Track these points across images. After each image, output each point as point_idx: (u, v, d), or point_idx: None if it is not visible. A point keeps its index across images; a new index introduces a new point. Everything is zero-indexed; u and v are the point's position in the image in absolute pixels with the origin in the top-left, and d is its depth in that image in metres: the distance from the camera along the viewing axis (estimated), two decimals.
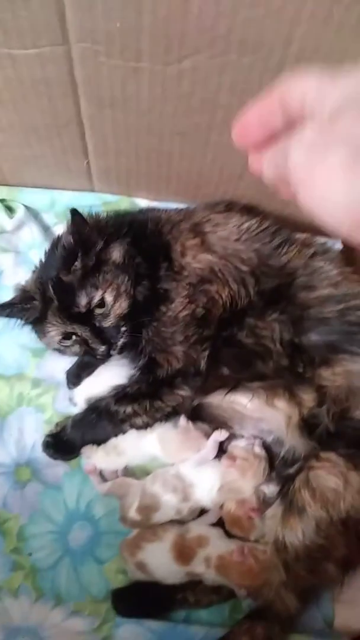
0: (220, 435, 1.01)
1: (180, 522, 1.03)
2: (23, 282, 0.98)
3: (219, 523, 1.03)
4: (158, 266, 0.94)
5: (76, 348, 0.94)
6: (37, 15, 0.69)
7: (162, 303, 0.93)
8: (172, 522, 1.02)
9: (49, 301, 0.91)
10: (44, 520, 1.06)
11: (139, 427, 0.99)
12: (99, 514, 1.07)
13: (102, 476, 1.09)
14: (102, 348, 0.91)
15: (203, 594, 1.00)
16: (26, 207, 1.11)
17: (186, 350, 0.93)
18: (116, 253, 0.93)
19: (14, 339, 1.15)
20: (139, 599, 1.00)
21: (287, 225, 1.03)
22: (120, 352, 0.94)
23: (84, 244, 0.88)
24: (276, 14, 0.66)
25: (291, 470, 0.97)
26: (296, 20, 0.67)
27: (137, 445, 1.04)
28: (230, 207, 1.04)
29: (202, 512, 1.04)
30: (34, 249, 1.13)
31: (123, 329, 0.92)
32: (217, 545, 0.98)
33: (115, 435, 1.01)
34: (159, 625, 0.96)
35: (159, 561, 0.99)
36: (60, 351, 0.98)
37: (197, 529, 1.01)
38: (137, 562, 0.99)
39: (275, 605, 0.92)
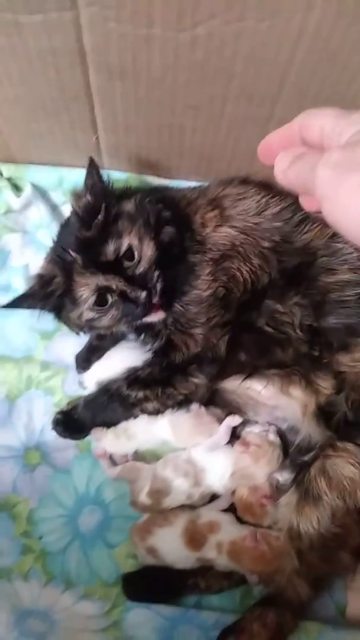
0: (233, 420, 0.99)
1: (191, 507, 1.02)
2: (37, 270, 0.93)
3: (231, 509, 1.01)
4: (182, 235, 0.91)
5: (113, 311, 0.86)
6: None
7: (189, 276, 0.90)
8: (183, 507, 1.01)
9: (72, 265, 0.85)
10: (54, 504, 1.06)
11: (149, 413, 0.97)
12: (109, 498, 1.06)
13: (112, 460, 1.08)
14: (142, 294, 0.83)
15: (214, 579, 0.99)
16: (33, 185, 1.08)
17: (206, 333, 0.90)
18: (129, 205, 0.89)
19: (22, 320, 1.13)
20: (150, 583, 1.00)
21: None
22: (162, 300, 0.87)
23: (105, 196, 0.85)
24: None
25: (306, 458, 0.95)
26: None
27: (147, 430, 1.02)
28: (245, 182, 1.00)
29: (213, 497, 1.03)
30: (41, 228, 1.10)
31: (156, 273, 0.86)
32: (229, 531, 0.97)
33: (126, 418, 0.99)
34: (170, 610, 0.96)
35: (170, 546, 0.98)
36: (95, 322, 0.89)
37: (208, 514, 1.00)
38: (147, 547, 0.99)
39: (287, 592, 0.92)
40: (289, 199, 0.96)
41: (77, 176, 1.05)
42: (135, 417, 0.98)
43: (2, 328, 1.14)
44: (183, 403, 0.96)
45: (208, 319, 0.90)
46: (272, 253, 0.92)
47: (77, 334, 1.00)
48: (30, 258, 1.11)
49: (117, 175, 1.08)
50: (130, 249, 0.85)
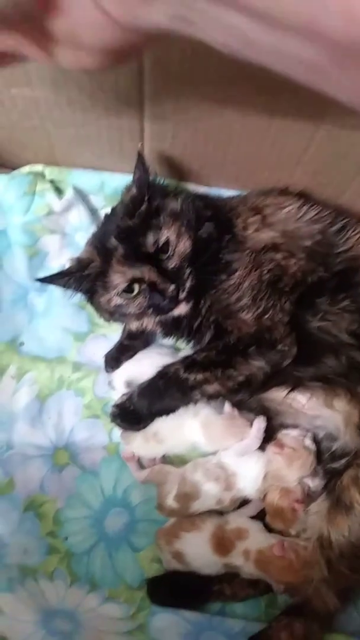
0: (261, 423, 0.98)
1: (218, 513, 1.02)
2: (78, 254, 0.96)
3: (259, 517, 1.01)
4: (221, 236, 0.93)
5: (140, 299, 0.89)
6: None
7: (222, 272, 0.91)
8: (210, 512, 1.01)
9: (111, 252, 0.88)
10: (81, 505, 1.06)
11: (210, 396, 0.92)
12: (135, 501, 1.06)
13: (140, 463, 1.08)
14: (171, 287, 0.86)
15: (240, 587, 0.99)
16: (75, 188, 1.10)
17: (257, 317, 0.89)
18: (173, 203, 0.92)
19: (56, 321, 1.15)
20: (174, 588, 0.99)
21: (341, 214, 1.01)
22: (187, 298, 0.90)
23: (150, 187, 0.88)
24: None
25: (337, 465, 0.96)
26: None
27: (177, 433, 1.03)
28: (285, 192, 1.02)
29: (242, 504, 1.03)
30: (80, 231, 1.11)
31: (188, 270, 0.89)
32: (257, 539, 0.97)
33: (185, 404, 0.94)
34: (195, 616, 0.96)
35: (197, 551, 0.98)
36: (123, 309, 0.91)
37: (237, 520, 1.00)
38: (174, 552, 0.98)
39: (314, 602, 0.92)
40: (328, 208, 0.99)
41: (118, 181, 1.07)
42: (195, 402, 0.93)
43: (36, 328, 1.15)
44: (244, 386, 0.91)
45: (254, 302, 0.90)
46: (316, 249, 0.93)
47: (107, 320, 1.00)
48: (67, 259, 1.12)
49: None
50: (167, 243, 0.88)
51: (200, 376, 0.90)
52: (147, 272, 0.87)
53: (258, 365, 0.89)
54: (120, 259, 0.87)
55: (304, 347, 0.90)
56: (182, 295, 0.89)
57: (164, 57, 0.79)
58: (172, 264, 0.88)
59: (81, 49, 0.40)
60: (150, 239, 0.87)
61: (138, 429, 1.00)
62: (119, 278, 0.88)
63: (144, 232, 0.87)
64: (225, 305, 0.91)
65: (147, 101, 0.89)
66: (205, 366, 0.90)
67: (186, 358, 0.93)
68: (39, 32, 0.39)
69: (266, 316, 0.89)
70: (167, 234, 0.88)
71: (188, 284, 0.89)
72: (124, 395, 1.01)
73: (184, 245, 0.89)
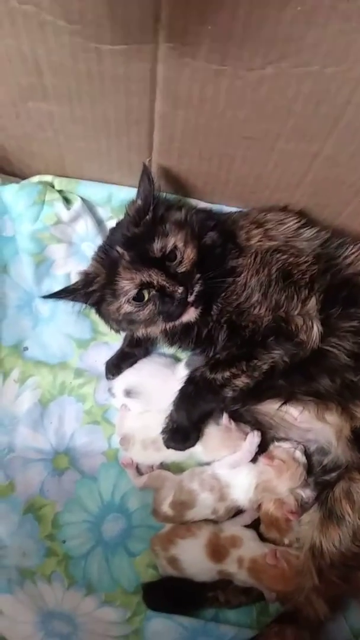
0: (255, 437, 1.01)
1: (214, 522, 1.04)
2: (84, 268, 0.98)
3: (253, 526, 1.04)
4: (225, 244, 0.95)
5: (151, 305, 0.89)
6: (132, 13, 0.71)
7: (229, 277, 0.93)
8: (206, 520, 1.03)
9: (117, 260, 0.89)
10: (79, 509, 1.08)
11: (240, 389, 0.93)
12: (133, 507, 1.09)
13: (139, 470, 1.10)
14: (180, 289, 0.86)
15: (233, 594, 1.01)
16: (83, 199, 1.13)
17: (271, 310, 0.91)
18: (178, 214, 0.95)
19: (60, 328, 1.17)
20: (170, 594, 1.01)
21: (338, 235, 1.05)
22: (197, 303, 0.89)
23: (154, 198, 0.91)
24: None
25: (329, 478, 0.98)
26: None
27: None
28: (284, 210, 1.06)
29: (237, 513, 1.05)
30: (86, 241, 1.14)
31: (197, 275, 0.90)
32: (251, 547, 1.00)
33: (220, 403, 0.98)
34: (190, 621, 0.98)
35: (192, 557, 1.00)
36: (133, 316, 0.91)
37: (231, 529, 1.03)
38: (169, 557, 1.00)
39: (305, 610, 0.94)
40: (326, 229, 1.03)
41: (125, 194, 1.10)
42: (227, 399, 0.96)
43: (40, 334, 1.17)
44: (268, 375, 0.93)
45: (265, 297, 0.91)
46: (318, 258, 0.96)
47: (116, 330, 1.00)
48: (72, 268, 1.15)
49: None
50: (174, 250, 0.89)
51: (227, 373, 0.92)
52: (155, 276, 0.86)
53: (278, 353, 0.91)
54: (127, 265, 0.88)
55: (302, 365, 0.93)
56: (191, 298, 0.88)
57: (175, 79, 0.82)
58: (181, 269, 0.89)
59: None
60: (157, 244, 0.88)
61: (191, 446, 1.01)
62: (128, 284, 0.88)
63: (151, 239, 0.89)
64: (236, 305, 0.92)
65: (157, 119, 0.92)
66: (229, 363, 0.92)
67: (208, 360, 0.95)
68: None
69: (281, 310, 0.91)
70: (174, 241, 0.89)
71: (197, 288, 0.89)
72: (165, 418, 1.00)
73: (191, 252, 0.91)
